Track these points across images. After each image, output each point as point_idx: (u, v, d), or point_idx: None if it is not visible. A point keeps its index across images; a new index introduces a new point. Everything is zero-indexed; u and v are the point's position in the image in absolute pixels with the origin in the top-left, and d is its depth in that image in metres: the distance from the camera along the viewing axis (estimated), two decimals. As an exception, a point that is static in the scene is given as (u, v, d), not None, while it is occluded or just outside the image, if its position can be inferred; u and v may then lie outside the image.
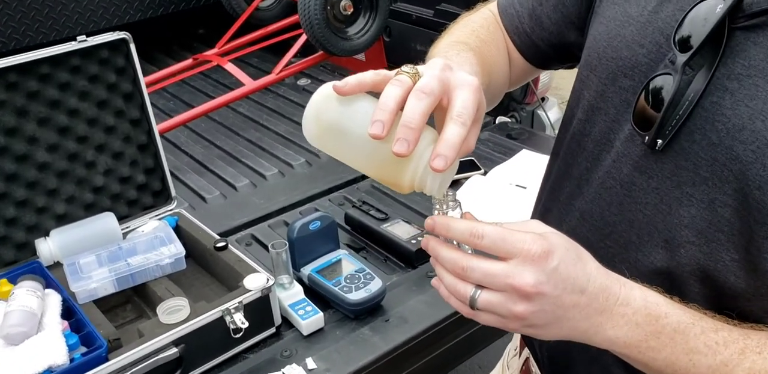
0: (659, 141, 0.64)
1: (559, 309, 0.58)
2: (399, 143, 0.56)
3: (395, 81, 0.59)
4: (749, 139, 0.58)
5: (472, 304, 0.59)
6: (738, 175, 0.59)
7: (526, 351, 0.96)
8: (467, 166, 1.82)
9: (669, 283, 0.66)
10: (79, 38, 1.35)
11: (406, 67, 0.60)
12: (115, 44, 1.40)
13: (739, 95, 0.59)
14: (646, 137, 0.65)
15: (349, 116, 0.62)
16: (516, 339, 1.04)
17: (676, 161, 0.64)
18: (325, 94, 0.63)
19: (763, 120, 0.58)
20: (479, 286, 0.58)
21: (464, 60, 0.75)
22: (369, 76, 0.61)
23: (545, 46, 0.87)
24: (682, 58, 0.61)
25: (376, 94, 0.61)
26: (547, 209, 0.84)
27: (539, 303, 0.57)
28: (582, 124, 0.75)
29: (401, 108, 0.58)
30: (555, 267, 0.56)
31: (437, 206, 0.63)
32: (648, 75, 0.65)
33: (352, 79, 0.61)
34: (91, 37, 1.37)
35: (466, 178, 1.77)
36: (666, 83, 0.63)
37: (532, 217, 0.91)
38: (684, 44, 0.62)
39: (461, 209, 0.63)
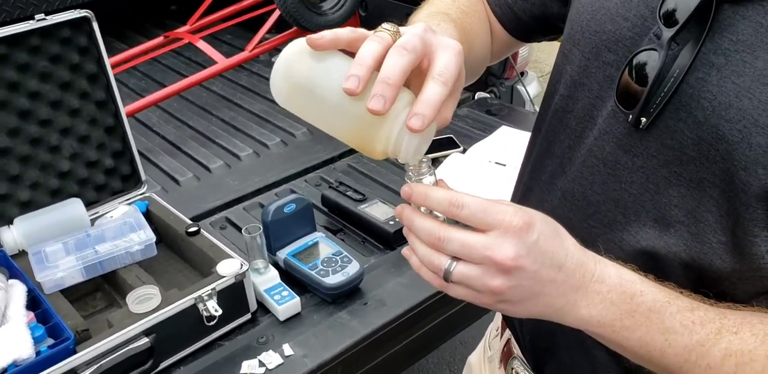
0: (643, 119, 0.62)
1: (537, 285, 0.55)
2: (375, 99, 0.52)
3: (375, 37, 0.55)
4: (735, 117, 0.56)
5: (446, 277, 0.56)
6: (724, 155, 0.57)
7: (508, 332, 0.94)
8: (446, 144, 1.79)
9: (653, 264, 0.64)
10: (37, 17, 1.29)
11: (386, 25, 0.57)
12: (77, 23, 1.34)
13: (725, 71, 0.57)
14: (630, 116, 0.63)
15: (322, 72, 0.58)
16: (498, 319, 1.02)
17: (661, 139, 0.61)
18: (297, 48, 0.59)
19: (750, 98, 0.55)
20: (455, 258, 0.55)
21: (444, 31, 0.72)
22: (345, 32, 0.57)
23: (527, 17, 0.84)
24: (668, 33, 0.59)
25: (351, 54, 0.57)
26: (529, 188, 0.82)
27: (517, 277, 0.54)
28: (564, 100, 0.73)
29: (378, 67, 0.54)
30: (535, 241, 0.54)
31: (411, 173, 0.60)
32: (632, 49, 0.63)
33: (327, 33, 0.57)
34: (51, 16, 1.30)
35: (445, 156, 1.74)
36: (651, 59, 0.60)
37: (513, 196, 0.88)
38: (669, 18, 0.59)
39: (435, 177, 0.60)
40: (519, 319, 0.85)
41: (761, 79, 0.55)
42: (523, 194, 0.83)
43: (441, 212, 0.56)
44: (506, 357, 0.93)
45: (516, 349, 0.90)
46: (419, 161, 0.59)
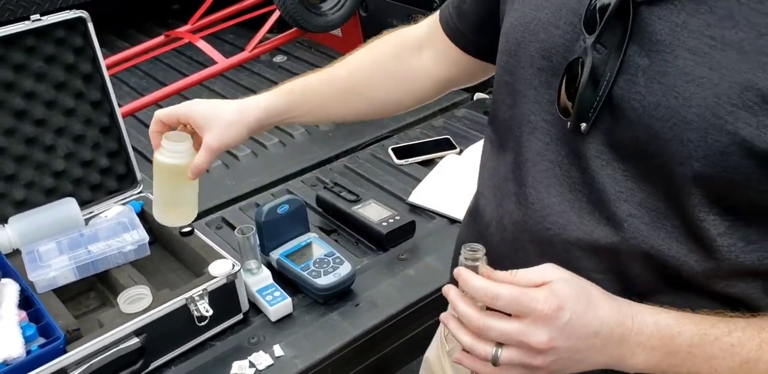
0: (583, 124, 0.65)
1: (576, 354, 0.62)
2: None
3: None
4: (665, 116, 0.59)
5: (494, 361, 0.62)
6: (660, 152, 0.60)
7: None
8: (443, 144, 1.79)
9: (615, 259, 0.67)
10: (33, 17, 1.30)
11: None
12: (72, 23, 1.35)
13: (650, 71, 0.59)
14: (569, 123, 0.66)
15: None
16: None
17: (601, 141, 0.64)
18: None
19: (675, 96, 0.58)
20: (499, 344, 0.62)
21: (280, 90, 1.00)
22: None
23: (483, 41, 0.86)
24: (589, 39, 0.62)
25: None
26: (481, 194, 0.84)
27: (555, 353, 0.61)
28: (509, 109, 0.75)
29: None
30: (567, 321, 0.60)
31: (462, 257, 0.67)
32: (566, 56, 0.65)
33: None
34: (46, 16, 1.31)
35: (441, 157, 1.74)
36: (580, 67, 0.63)
37: (471, 203, 0.90)
38: (590, 24, 0.62)
39: (484, 263, 0.67)
40: None
41: (683, 77, 0.57)
42: (476, 200, 0.85)
43: (479, 300, 0.63)
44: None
45: None
46: (474, 250, 0.66)
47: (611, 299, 0.64)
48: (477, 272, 0.66)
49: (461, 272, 0.65)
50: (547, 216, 0.70)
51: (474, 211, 0.86)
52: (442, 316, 0.68)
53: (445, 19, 0.91)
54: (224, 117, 0.92)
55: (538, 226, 0.71)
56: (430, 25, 0.95)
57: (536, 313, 0.59)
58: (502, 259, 0.75)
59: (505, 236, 0.76)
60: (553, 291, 0.61)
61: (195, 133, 0.96)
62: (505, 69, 0.74)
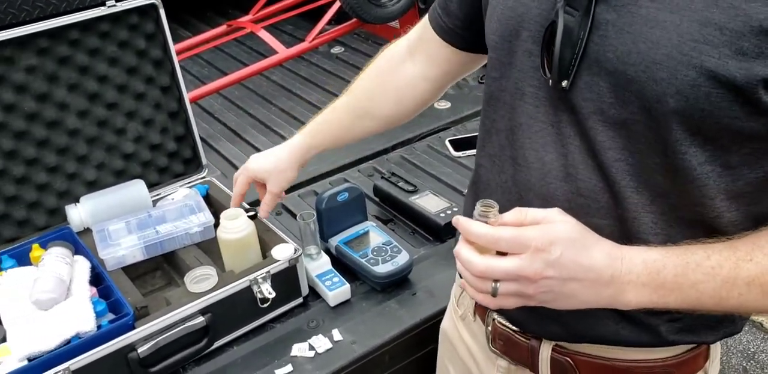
0: (565, 82, 0.70)
1: (565, 288, 0.68)
2: None
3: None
4: (637, 60, 0.65)
5: (494, 293, 0.69)
6: (637, 94, 0.66)
7: None
8: (470, 143, 1.77)
9: (612, 199, 0.73)
10: (108, 3, 1.34)
11: None
12: (145, 10, 1.39)
13: (619, 23, 0.66)
14: (550, 81, 0.72)
15: None
16: (459, 280, 1.03)
17: (582, 95, 0.70)
18: None
19: (643, 41, 0.64)
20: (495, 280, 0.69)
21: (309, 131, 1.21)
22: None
23: (470, 34, 0.94)
24: (560, 3, 0.69)
25: None
26: (480, 165, 0.88)
27: (546, 285, 0.68)
28: (497, 81, 0.80)
29: None
30: (558, 256, 0.66)
31: (476, 214, 0.71)
32: (544, 25, 0.72)
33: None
34: (120, 2, 1.35)
35: (467, 156, 1.73)
36: (555, 29, 0.70)
37: (471, 179, 0.94)
38: None
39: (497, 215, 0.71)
40: None
41: (648, 23, 0.64)
42: (477, 173, 0.90)
43: (484, 246, 0.69)
44: (481, 309, 0.95)
45: None
46: (488, 206, 0.70)
47: (603, 243, 0.70)
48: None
49: (460, 221, 0.70)
50: (548, 172, 0.76)
51: (476, 182, 0.91)
52: (455, 250, 0.73)
53: (435, 20, 0.98)
54: (278, 166, 1.21)
55: (541, 182, 0.77)
56: (418, 30, 1.04)
57: (531, 248, 0.66)
58: None
59: (511, 197, 0.81)
60: (548, 229, 0.67)
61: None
62: (491, 47, 0.81)
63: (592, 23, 0.67)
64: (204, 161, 1.53)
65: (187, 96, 1.48)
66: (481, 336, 0.97)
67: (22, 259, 1.28)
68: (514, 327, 0.89)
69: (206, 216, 1.32)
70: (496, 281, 0.69)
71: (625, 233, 0.74)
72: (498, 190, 0.84)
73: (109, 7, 1.34)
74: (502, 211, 0.71)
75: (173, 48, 1.44)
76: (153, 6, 1.38)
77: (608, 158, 0.71)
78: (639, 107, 0.66)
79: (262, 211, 1.27)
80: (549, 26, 0.71)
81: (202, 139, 1.93)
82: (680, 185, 0.69)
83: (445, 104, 2.03)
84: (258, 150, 1.90)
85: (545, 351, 0.87)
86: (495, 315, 0.91)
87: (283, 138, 1.96)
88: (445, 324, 1.11)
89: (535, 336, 0.87)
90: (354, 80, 1.15)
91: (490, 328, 0.93)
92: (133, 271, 1.32)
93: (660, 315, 0.77)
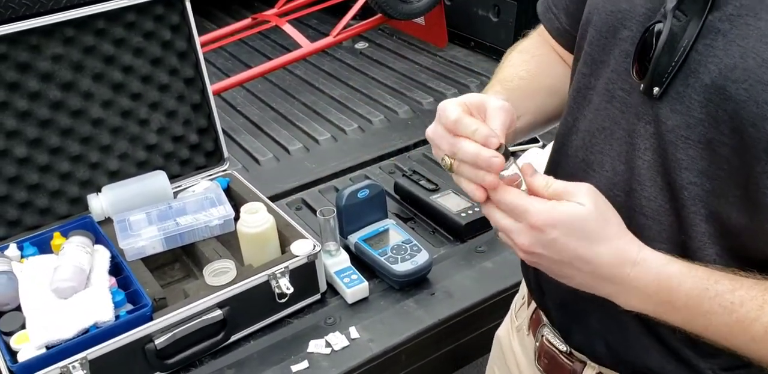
0: (656, 89, 0.65)
1: (561, 269, 0.66)
2: None
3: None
4: (741, 77, 0.59)
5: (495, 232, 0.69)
6: (732, 114, 0.60)
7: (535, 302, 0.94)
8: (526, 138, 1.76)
9: (677, 224, 0.68)
10: (134, -7, 1.34)
11: None
12: (171, 1, 1.38)
13: (731, 35, 0.60)
14: (641, 85, 0.67)
15: None
16: (523, 289, 1.02)
17: (671, 105, 0.65)
18: None
19: (754, 57, 0.58)
20: None
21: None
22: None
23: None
24: (671, 3, 0.63)
25: None
26: (557, 163, 0.84)
27: (537, 257, 0.65)
28: (586, 78, 0.76)
29: None
30: (553, 239, 0.63)
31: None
32: (646, 25, 0.66)
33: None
34: (147, -7, 1.35)
35: (523, 150, 1.71)
36: (659, 31, 0.64)
37: (545, 172, 0.89)
38: None
39: (516, 167, 0.69)
40: (546, 288, 0.86)
41: (764, 38, 0.58)
42: (551, 170, 0.86)
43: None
44: (535, 324, 0.93)
45: (545, 317, 0.91)
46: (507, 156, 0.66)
47: (618, 241, 0.65)
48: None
49: (500, 188, 0.67)
50: (616, 183, 0.72)
51: None
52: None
53: (549, 22, 0.90)
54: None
55: (609, 193, 0.70)
56: (534, 37, 0.94)
57: (524, 223, 0.64)
58: None
59: None
60: (554, 208, 0.63)
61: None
62: (586, 40, 0.76)
63: (700, 30, 0.62)
64: (226, 154, 1.53)
65: (210, 88, 1.48)
66: (530, 351, 0.94)
67: (44, 247, 1.29)
68: (560, 348, 0.87)
69: (226, 209, 1.32)
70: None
71: (686, 261, 0.67)
72: None
73: (136, -4, 1.34)
74: None
75: (198, 40, 1.43)
76: (179, -3, 1.38)
77: (682, 178, 0.65)
78: (730, 129, 0.61)
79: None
80: (650, 27, 0.65)
81: (224, 132, 1.93)
82: (757, 223, 0.63)
83: (468, 103, 2.01)
84: (280, 144, 1.90)
85: None
86: (545, 332, 0.89)
87: (305, 132, 1.96)
88: (501, 332, 1.09)
89: (579, 360, 0.84)
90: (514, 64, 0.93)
91: (538, 344, 0.91)
92: (153, 262, 1.32)
93: (711, 358, 0.72)
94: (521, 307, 1.01)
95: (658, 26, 0.64)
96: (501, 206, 0.65)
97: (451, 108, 0.67)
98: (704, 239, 0.66)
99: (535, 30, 0.96)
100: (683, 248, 0.68)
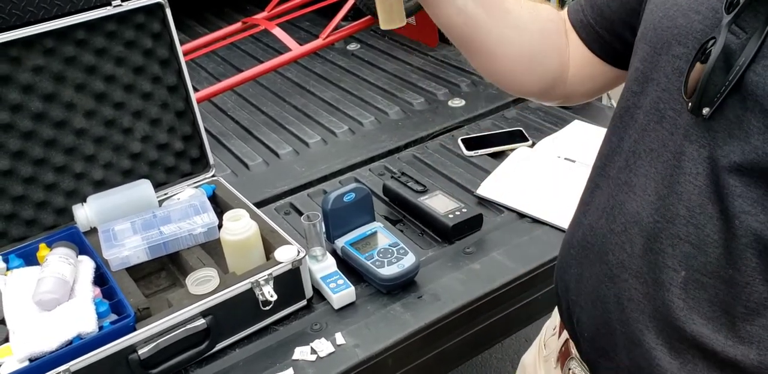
0: (705, 109, 0.61)
1: None
2: None
3: None
4: None
5: None
6: None
7: (566, 332, 0.92)
8: (515, 136, 1.75)
9: (726, 256, 0.63)
10: (114, 3, 1.33)
11: None
12: (151, 9, 1.38)
13: None
14: (689, 104, 0.63)
15: None
16: (555, 317, 1.00)
17: (729, 129, 0.61)
18: None
19: None
20: None
21: None
22: None
23: (610, 36, 0.85)
24: (726, 18, 0.59)
25: None
26: (597, 185, 0.81)
27: None
28: (635, 96, 0.73)
29: None
30: None
31: None
32: (702, 42, 0.63)
33: None
34: (126, 2, 1.34)
35: (512, 149, 1.70)
36: (714, 48, 0.60)
37: (583, 194, 0.87)
38: (731, 4, 0.60)
39: None
40: (577, 318, 0.83)
41: None
42: (591, 192, 0.83)
43: None
44: (564, 357, 0.91)
45: (574, 350, 0.88)
46: None
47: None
48: None
49: None
50: (659, 208, 0.68)
51: (587, 204, 0.83)
52: None
53: (575, 12, 0.87)
54: None
55: (650, 218, 0.68)
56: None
57: None
58: (606, 252, 0.74)
59: (614, 227, 0.74)
60: None
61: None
62: (638, 56, 0.73)
63: (759, 49, 0.57)
64: (211, 160, 1.53)
65: (193, 95, 1.47)
66: None
67: (30, 259, 1.29)
68: None
69: (210, 217, 1.32)
70: None
71: (732, 296, 0.64)
72: (603, 215, 0.76)
73: (114, 6, 1.33)
74: (602, 241, 0.66)
75: (180, 47, 1.43)
76: (159, 5, 1.37)
77: (735, 207, 0.61)
78: None
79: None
80: (705, 44, 0.61)
81: (214, 137, 1.94)
82: None
83: (459, 102, 2.00)
84: (270, 148, 1.90)
85: None
86: (572, 365, 0.87)
87: (295, 136, 1.95)
88: (527, 358, 1.08)
89: None
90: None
91: None
92: (139, 271, 1.32)
93: None
94: (551, 337, 0.99)
95: (712, 42, 0.61)
96: None
97: None
98: (754, 274, 0.62)
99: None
100: (729, 283, 0.64)
